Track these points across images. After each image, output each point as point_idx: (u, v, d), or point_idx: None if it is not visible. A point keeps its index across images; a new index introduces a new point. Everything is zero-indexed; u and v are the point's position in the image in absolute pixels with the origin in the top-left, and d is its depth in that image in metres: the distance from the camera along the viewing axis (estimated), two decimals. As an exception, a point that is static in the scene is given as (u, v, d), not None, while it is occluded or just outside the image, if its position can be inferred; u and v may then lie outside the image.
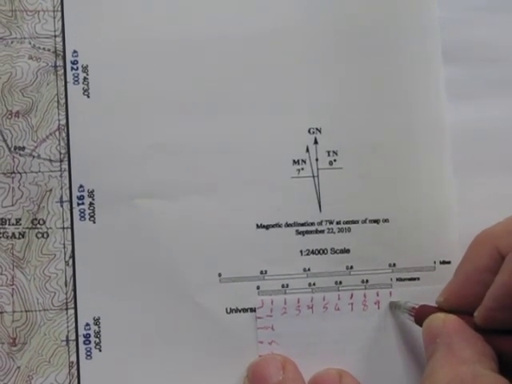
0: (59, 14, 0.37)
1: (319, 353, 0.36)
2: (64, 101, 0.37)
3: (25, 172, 0.36)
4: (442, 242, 0.37)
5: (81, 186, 0.36)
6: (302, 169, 0.37)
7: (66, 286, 0.36)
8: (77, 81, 0.37)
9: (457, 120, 0.38)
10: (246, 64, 0.37)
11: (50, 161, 0.36)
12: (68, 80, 0.37)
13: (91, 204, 0.36)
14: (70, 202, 0.36)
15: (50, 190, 0.36)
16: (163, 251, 0.36)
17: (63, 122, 0.37)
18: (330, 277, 0.37)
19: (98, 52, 0.37)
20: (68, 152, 0.36)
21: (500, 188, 0.38)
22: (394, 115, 0.37)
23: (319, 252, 0.37)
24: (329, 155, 0.37)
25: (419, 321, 0.33)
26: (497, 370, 0.29)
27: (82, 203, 0.36)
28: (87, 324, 0.36)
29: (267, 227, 0.37)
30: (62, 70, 0.37)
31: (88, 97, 0.37)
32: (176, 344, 0.36)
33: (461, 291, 0.33)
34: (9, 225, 0.36)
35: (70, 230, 0.36)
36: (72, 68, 0.37)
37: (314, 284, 0.37)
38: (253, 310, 0.36)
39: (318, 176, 0.37)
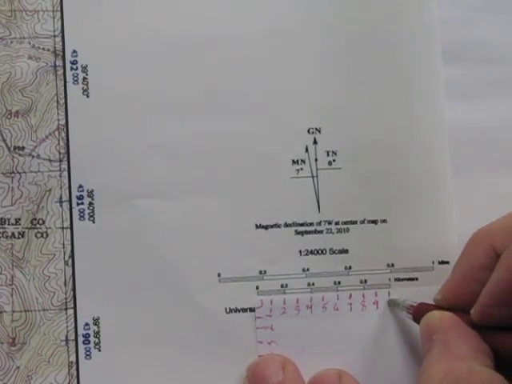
0: (58, 13, 0.37)
1: (318, 353, 0.36)
2: (63, 101, 0.37)
3: (24, 172, 0.36)
4: (441, 242, 0.37)
5: (80, 186, 0.36)
6: (302, 169, 0.37)
7: (65, 285, 0.36)
8: (76, 81, 0.37)
9: (456, 120, 0.38)
10: (246, 64, 0.37)
11: (50, 161, 0.36)
12: (67, 80, 0.37)
13: (91, 204, 0.36)
14: (70, 201, 0.36)
15: (50, 190, 0.36)
16: (162, 251, 0.36)
17: (63, 121, 0.37)
18: (329, 277, 0.37)
19: (98, 52, 0.37)
20: (67, 152, 0.36)
21: (499, 188, 0.38)
22: (393, 115, 0.37)
23: (318, 252, 0.37)
24: (328, 155, 0.37)
25: (417, 318, 0.33)
26: (493, 366, 0.29)
27: (82, 203, 0.36)
28: (86, 324, 0.36)
29: (266, 227, 0.37)
30: (62, 70, 0.37)
31: (87, 97, 0.37)
32: (175, 344, 0.36)
33: (458, 289, 0.33)
34: (8, 224, 0.36)
35: (69, 230, 0.36)
36: (71, 68, 0.37)
37: (313, 284, 0.37)
38: (252, 309, 0.36)
39: (317, 176, 0.37)
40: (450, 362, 0.29)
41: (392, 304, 0.36)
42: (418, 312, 0.33)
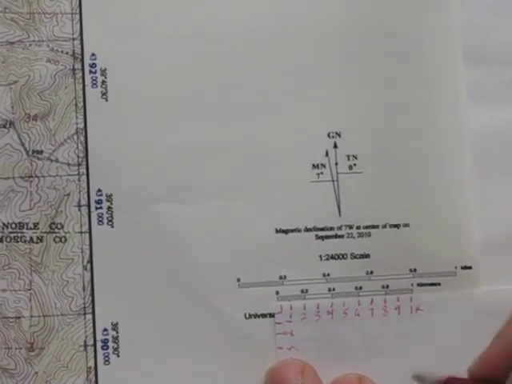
0: (77, 16, 0.37)
1: (338, 358, 0.36)
2: (82, 104, 0.36)
3: (43, 176, 0.36)
4: (463, 247, 0.37)
5: (99, 190, 0.36)
6: (322, 173, 0.37)
7: (83, 290, 0.36)
8: (95, 84, 0.37)
9: (478, 123, 0.37)
10: (268, 66, 0.37)
11: (68, 165, 0.36)
12: (86, 83, 0.37)
13: (109, 208, 0.36)
14: (88, 206, 0.36)
15: (68, 194, 0.36)
16: (181, 256, 0.36)
17: (81, 125, 0.36)
18: (350, 282, 0.36)
19: (117, 55, 0.37)
20: (86, 156, 0.36)
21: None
22: (414, 119, 0.37)
23: (339, 257, 0.36)
24: (348, 159, 0.37)
25: None
26: None
27: (100, 207, 0.36)
28: (105, 329, 0.36)
29: (286, 232, 0.36)
30: (80, 73, 0.37)
31: (106, 100, 0.37)
32: (194, 349, 0.36)
33: (495, 362, 0.29)
34: (27, 229, 0.36)
35: (87, 235, 0.36)
36: (90, 71, 0.37)
37: (333, 289, 0.36)
38: (272, 315, 0.36)
39: (337, 180, 0.37)
40: None
41: (417, 379, 0.32)
42: None
